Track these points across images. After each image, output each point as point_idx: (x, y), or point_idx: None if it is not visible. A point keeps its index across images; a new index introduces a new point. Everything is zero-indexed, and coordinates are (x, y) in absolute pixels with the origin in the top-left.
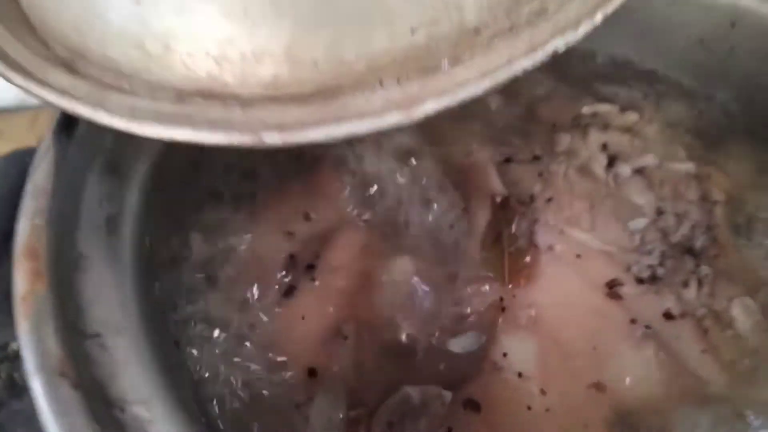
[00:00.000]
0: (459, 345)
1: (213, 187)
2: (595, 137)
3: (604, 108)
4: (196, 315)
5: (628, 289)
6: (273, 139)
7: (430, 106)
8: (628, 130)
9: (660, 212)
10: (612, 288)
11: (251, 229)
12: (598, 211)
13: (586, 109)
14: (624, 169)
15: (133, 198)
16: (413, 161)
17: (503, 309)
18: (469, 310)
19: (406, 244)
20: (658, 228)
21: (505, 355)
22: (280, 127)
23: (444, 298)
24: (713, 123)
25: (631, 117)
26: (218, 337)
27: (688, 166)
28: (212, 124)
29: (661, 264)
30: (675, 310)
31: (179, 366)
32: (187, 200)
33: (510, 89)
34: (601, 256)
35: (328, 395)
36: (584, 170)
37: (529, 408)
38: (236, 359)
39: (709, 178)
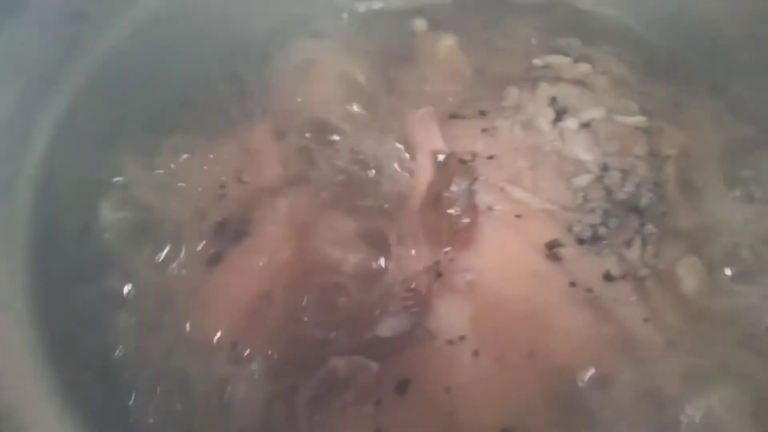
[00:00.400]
0: (387, 328)
1: (133, 145)
2: (545, 90)
3: (556, 59)
4: (109, 287)
5: (569, 251)
6: None
7: None
8: (579, 82)
9: (605, 168)
10: (552, 249)
11: (176, 192)
12: (541, 168)
13: (537, 61)
14: (571, 123)
15: (34, 158)
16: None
17: (439, 273)
18: (403, 276)
19: (344, 206)
20: (603, 185)
21: (439, 322)
22: None
23: (379, 264)
24: (669, 74)
25: (584, 68)
26: (135, 309)
27: (638, 120)
28: None
29: (603, 223)
30: (615, 272)
31: (82, 344)
32: (102, 161)
33: (464, 41)
34: (541, 216)
35: (252, 368)
36: (530, 125)
37: (462, 376)
38: (155, 334)
39: (662, 132)
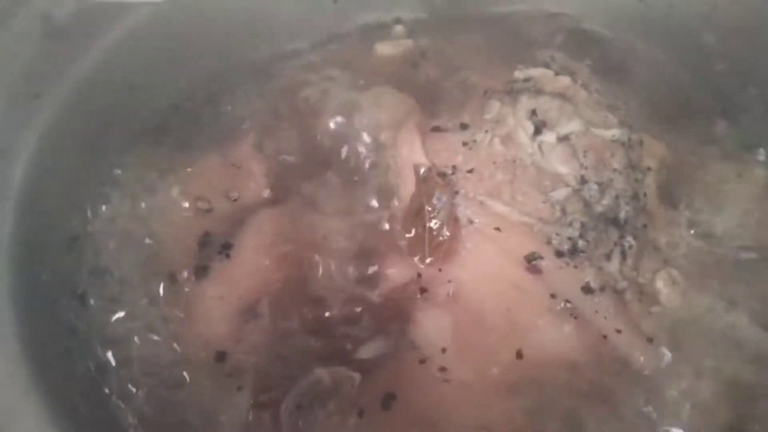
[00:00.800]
0: (368, 351)
1: (117, 160)
2: (525, 103)
3: (537, 72)
4: (97, 299)
5: (548, 263)
6: None
7: None
8: (560, 95)
9: (583, 181)
10: (531, 262)
11: (162, 206)
12: (519, 181)
13: (518, 74)
14: (549, 137)
15: (18, 173)
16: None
17: (422, 286)
18: (386, 290)
19: (329, 221)
20: (581, 198)
21: (422, 334)
22: None
23: (363, 278)
24: (651, 86)
25: (564, 81)
26: (122, 321)
27: (615, 132)
28: None
29: (581, 236)
30: (594, 284)
31: (72, 354)
32: (86, 175)
33: (446, 54)
34: (520, 229)
35: (237, 378)
36: (509, 139)
37: (444, 388)
38: (142, 346)
39: (641, 144)
